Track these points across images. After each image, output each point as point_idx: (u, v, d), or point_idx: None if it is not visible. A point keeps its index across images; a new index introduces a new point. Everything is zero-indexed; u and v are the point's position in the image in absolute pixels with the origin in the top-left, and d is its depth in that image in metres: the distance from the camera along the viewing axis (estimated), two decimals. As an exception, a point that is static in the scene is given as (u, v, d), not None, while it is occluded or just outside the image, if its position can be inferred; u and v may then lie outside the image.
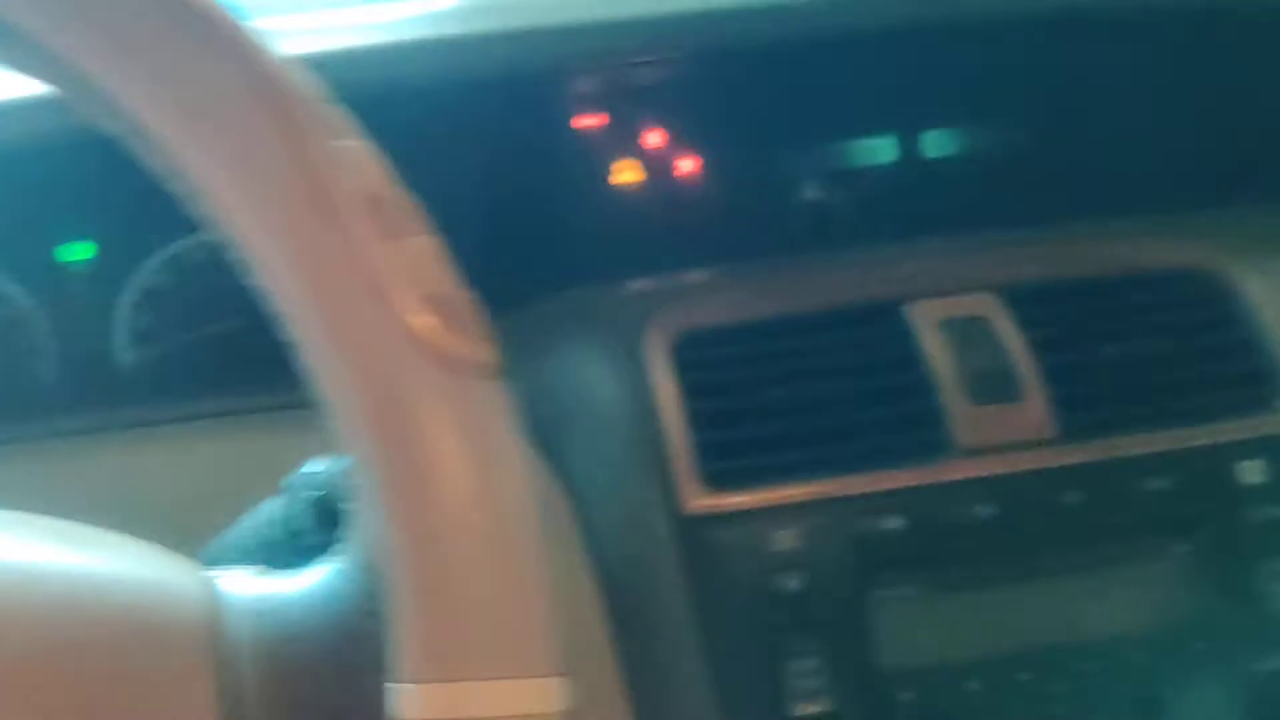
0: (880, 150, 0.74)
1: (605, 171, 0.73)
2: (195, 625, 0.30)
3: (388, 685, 0.28)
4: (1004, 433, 0.56)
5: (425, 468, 0.27)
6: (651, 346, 0.57)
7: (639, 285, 0.63)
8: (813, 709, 0.53)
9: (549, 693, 0.28)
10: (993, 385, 0.57)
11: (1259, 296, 0.61)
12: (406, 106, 0.67)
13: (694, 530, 0.54)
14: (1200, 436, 0.57)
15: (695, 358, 0.57)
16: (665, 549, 0.54)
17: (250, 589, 0.31)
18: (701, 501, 0.54)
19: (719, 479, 0.55)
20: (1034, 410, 0.57)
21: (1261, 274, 0.62)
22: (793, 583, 0.54)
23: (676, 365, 0.57)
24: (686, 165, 0.74)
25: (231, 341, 0.63)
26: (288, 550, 0.37)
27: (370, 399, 0.27)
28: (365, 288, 0.27)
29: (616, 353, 0.58)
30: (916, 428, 0.56)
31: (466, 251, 0.74)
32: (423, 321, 0.28)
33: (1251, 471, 0.57)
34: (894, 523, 0.55)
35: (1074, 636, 0.55)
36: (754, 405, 0.56)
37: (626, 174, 0.74)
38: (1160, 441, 0.57)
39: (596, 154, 0.73)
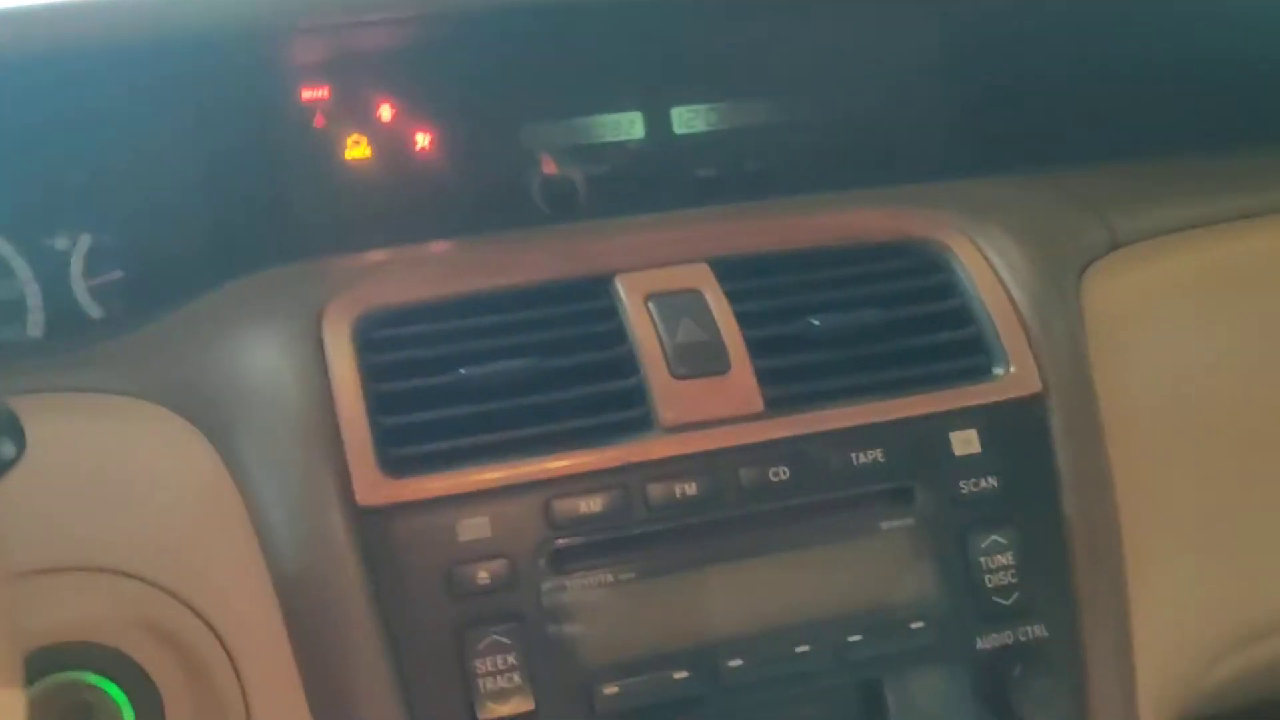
0: (611, 126, 0.72)
1: (325, 142, 0.70)
2: None
3: None
4: (710, 408, 0.53)
5: None
6: (330, 326, 0.53)
7: (328, 263, 0.59)
8: (507, 710, 0.49)
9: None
10: (699, 359, 0.54)
11: (973, 266, 0.60)
12: (121, 68, 0.64)
13: (373, 523, 0.50)
14: (913, 407, 0.56)
15: (378, 337, 0.53)
16: (342, 545, 0.49)
17: None
18: (380, 492, 0.50)
19: (400, 466, 0.51)
20: (741, 384, 0.54)
21: (978, 243, 0.61)
22: (482, 574, 0.50)
23: (356, 346, 0.52)
24: (408, 137, 0.71)
25: None
26: None
27: None
28: None
29: (294, 333, 0.53)
30: (618, 405, 0.53)
31: (178, 224, 0.70)
32: None
33: (966, 442, 0.56)
34: (592, 504, 0.51)
35: (789, 618, 0.53)
36: (441, 387, 0.52)
37: (353, 149, 0.71)
38: (872, 413, 0.55)
39: (315, 124, 0.70)
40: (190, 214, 0.68)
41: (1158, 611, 0.59)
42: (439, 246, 0.61)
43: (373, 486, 0.50)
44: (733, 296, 0.56)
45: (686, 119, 0.74)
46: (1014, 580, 0.55)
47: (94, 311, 0.66)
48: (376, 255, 0.60)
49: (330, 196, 0.70)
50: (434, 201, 0.71)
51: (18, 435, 0.37)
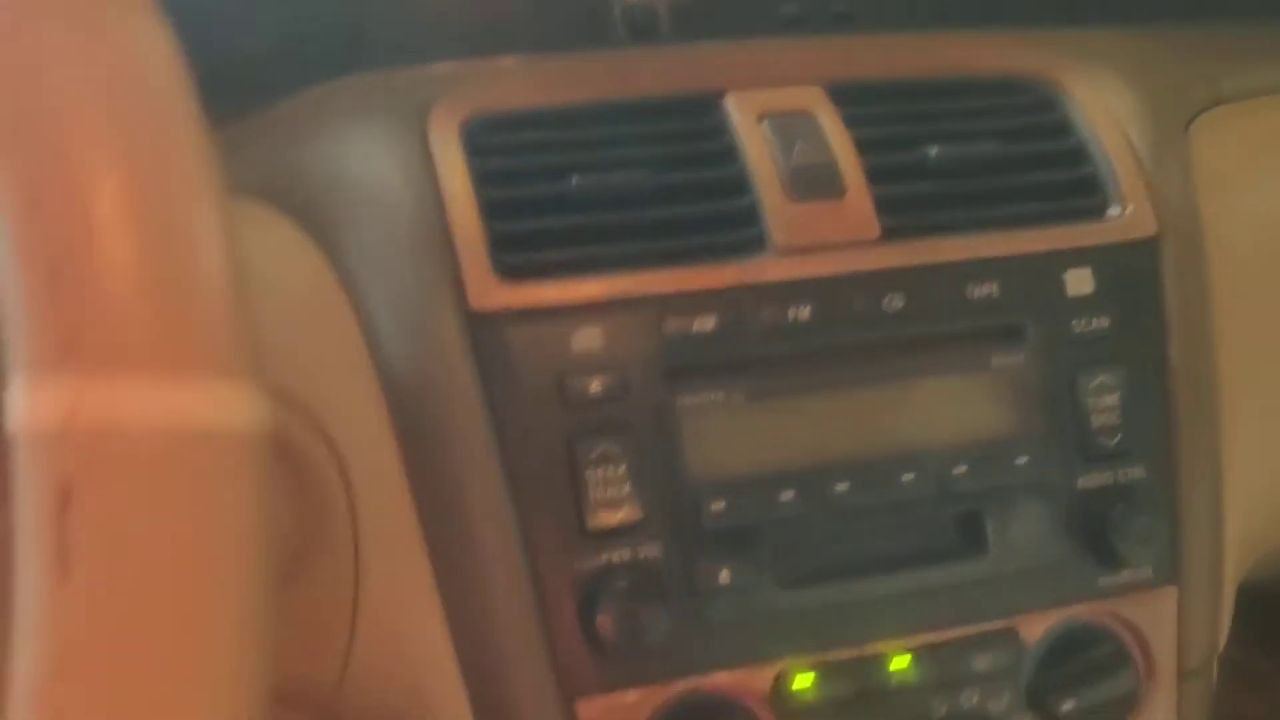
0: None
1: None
2: None
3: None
4: (824, 232, 0.52)
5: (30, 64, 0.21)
6: (438, 127, 0.51)
7: (430, 69, 0.57)
8: (616, 519, 0.49)
9: (228, 399, 0.22)
10: (814, 182, 0.53)
11: (1091, 106, 0.58)
12: None
13: (487, 329, 0.49)
14: (1028, 243, 0.54)
15: (488, 142, 0.52)
16: (455, 350, 0.49)
17: None
18: (495, 297, 0.49)
19: (514, 273, 0.50)
20: (857, 209, 0.53)
21: (1094, 85, 0.59)
22: (594, 385, 0.49)
23: (466, 149, 0.51)
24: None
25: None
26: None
27: None
28: None
29: (400, 132, 0.51)
30: (731, 224, 0.52)
31: (245, 31, 0.67)
32: None
33: (1080, 281, 0.55)
34: (705, 323, 0.50)
35: (896, 447, 0.52)
36: (554, 195, 0.51)
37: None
38: (987, 246, 0.54)
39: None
40: (259, 20, 0.66)
41: (1245, 466, 0.59)
42: (540, 59, 0.59)
43: (487, 291, 0.49)
44: (849, 121, 0.54)
45: None
46: (1118, 421, 0.54)
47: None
48: (485, 63, 0.58)
49: (405, 8, 0.67)
50: (512, 19, 0.68)
51: None
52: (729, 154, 0.53)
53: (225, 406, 0.22)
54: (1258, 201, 0.62)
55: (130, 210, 0.21)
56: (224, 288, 0.22)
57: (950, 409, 0.53)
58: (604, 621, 0.49)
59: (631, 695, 0.50)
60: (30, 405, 0.20)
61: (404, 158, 0.51)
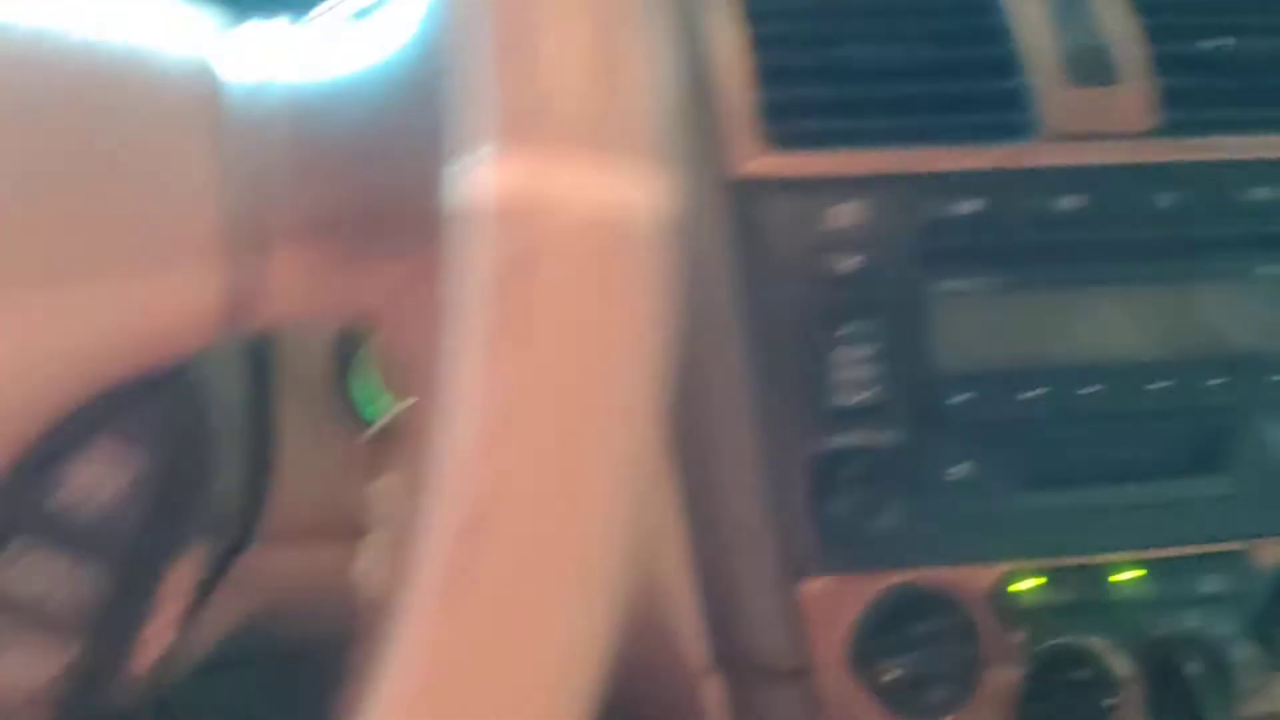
0: None
1: None
2: (190, 91, 0.23)
3: (449, 167, 0.21)
4: (1098, 120, 0.50)
5: None
6: None
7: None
8: (859, 399, 0.48)
9: (652, 184, 0.22)
10: (1091, 67, 0.50)
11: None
12: None
13: (747, 195, 0.48)
14: (1312, 149, 0.52)
15: (761, 7, 0.50)
16: (714, 213, 0.48)
17: (276, 44, 0.24)
18: (758, 162, 0.48)
19: (778, 141, 0.48)
20: (1134, 98, 0.50)
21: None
22: (849, 262, 0.48)
23: (741, 9, 0.49)
24: None
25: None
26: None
27: None
28: None
29: None
30: (1001, 106, 0.50)
31: None
32: None
33: (1363, 193, 0.52)
34: (967, 206, 0.49)
35: (1152, 353, 0.50)
36: (824, 64, 0.49)
37: None
38: (1269, 148, 0.51)
39: None
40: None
41: None
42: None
43: (751, 156, 0.47)
44: (1139, 6, 0.51)
45: None
46: (1388, 344, 0.52)
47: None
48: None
49: None
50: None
51: None
52: (1003, 32, 0.51)
53: (661, 191, 0.21)
54: None
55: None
56: (664, 76, 0.22)
57: (1213, 317, 0.51)
58: (835, 503, 0.48)
59: (854, 580, 0.50)
60: (492, 175, 0.20)
61: (679, 12, 0.49)
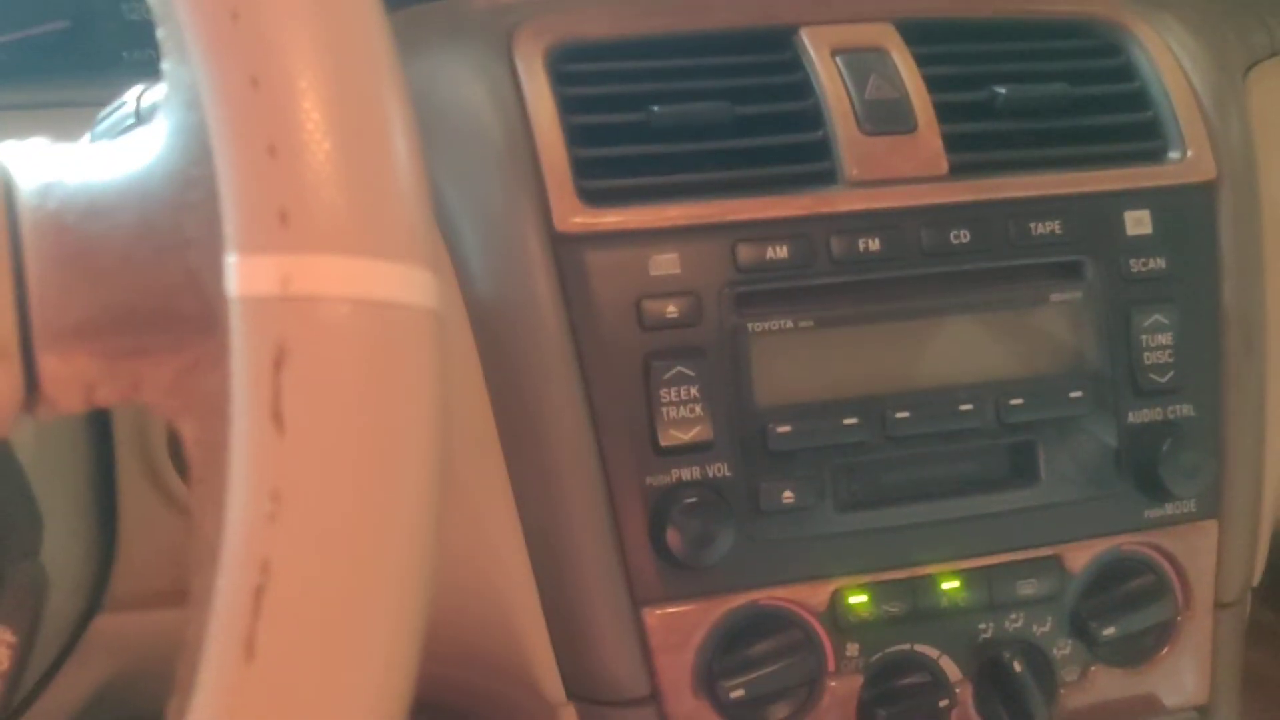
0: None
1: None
2: None
3: (223, 259, 0.24)
4: (896, 166, 0.54)
5: None
6: (522, 53, 0.53)
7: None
8: (687, 438, 0.51)
9: (413, 281, 0.24)
10: (887, 117, 0.54)
11: (1155, 51, 0.59)
12: None
13: (569, 249, 0.51)
14: (1091, 183, 0.56)
15: (571, 70, 0.53)
16: (539, 269, 0.50)
17: (45, 159, 0.26)
18: (577, 219, 0.51)
19: (596, 197, 0.51)
20: (927, 145, 0.54)
21: (1159, 30, 0.60)
22: (670, 308, 0.51)
23: (552, 77, 0.52)
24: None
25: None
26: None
27: None
28: None
29: (486, 56, 0.53)
30: (805, 156, 0.54)
31: None
32: None
33: (1138, 222, 0.56)
34: (777, 252, 0.52)
35: (956, 378, 0.54)
36: (635, 123, 0.53)
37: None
38: (1052, 185, 0.55)
39: None
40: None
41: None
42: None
43: (571, 213, 0.50)
44: (920, 59, 0.55)
45: None
46: (1170, 359, 0.56)
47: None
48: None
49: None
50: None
51: None
52: (804, 88, 0.54)
53: (415, 287, 0.24)
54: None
55: (336, 99, 0.23)
56: (414, 180, 0.24)
57: (1009, 342, 0.55)
58: (672, 535, 0.51)
59: (695, 606, 0.52)
60: (250, 274, 0.22)
61: (492, 84, 0.52)
